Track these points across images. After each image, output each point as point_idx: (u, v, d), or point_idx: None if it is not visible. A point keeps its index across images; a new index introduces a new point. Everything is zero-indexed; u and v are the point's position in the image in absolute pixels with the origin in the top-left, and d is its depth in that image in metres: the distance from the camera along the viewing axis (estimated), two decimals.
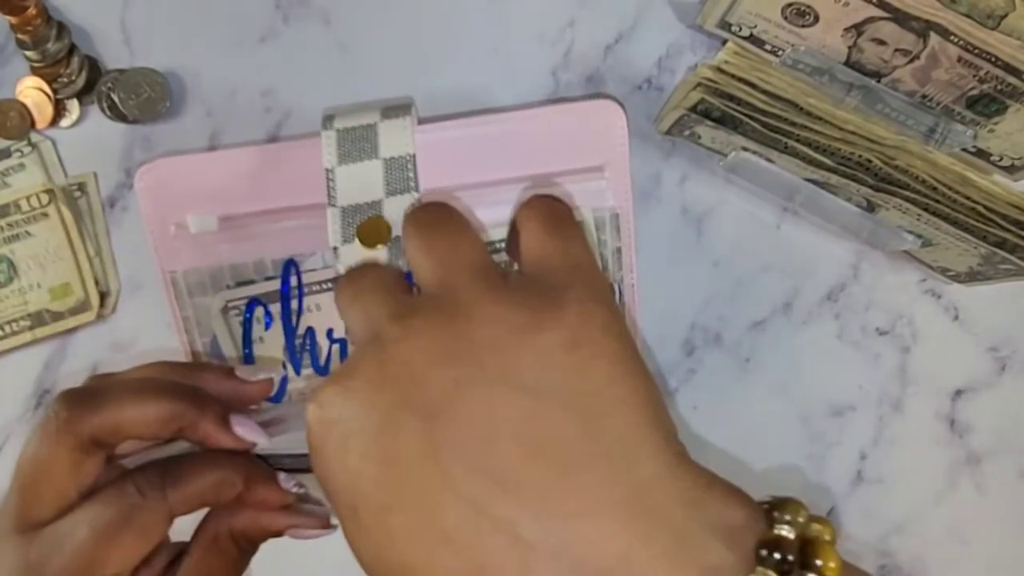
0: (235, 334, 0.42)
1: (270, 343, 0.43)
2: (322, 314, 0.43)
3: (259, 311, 0.42)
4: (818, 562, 0.22)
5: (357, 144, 0.38)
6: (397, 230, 0.37)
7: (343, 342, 0.43)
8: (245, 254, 0.41)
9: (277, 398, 0.43)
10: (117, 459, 0.33)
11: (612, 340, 0.26)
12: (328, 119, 0.38)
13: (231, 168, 0.42)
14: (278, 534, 0.35)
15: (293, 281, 0.42)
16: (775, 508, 0.23)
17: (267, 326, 0.43)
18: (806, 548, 0.22)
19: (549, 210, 0.32)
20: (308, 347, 0.43)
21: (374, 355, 0.27)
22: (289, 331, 0.43)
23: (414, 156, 0.38)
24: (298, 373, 0.43)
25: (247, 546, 0.34)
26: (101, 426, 0.31)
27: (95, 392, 0.32)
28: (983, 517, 0.47)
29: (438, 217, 0.31)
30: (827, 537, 0.22)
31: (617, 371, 0.25)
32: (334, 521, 0.35)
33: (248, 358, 0.43)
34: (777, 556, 0.21)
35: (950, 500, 0.47)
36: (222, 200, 0.42)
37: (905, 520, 0.47)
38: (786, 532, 0.22)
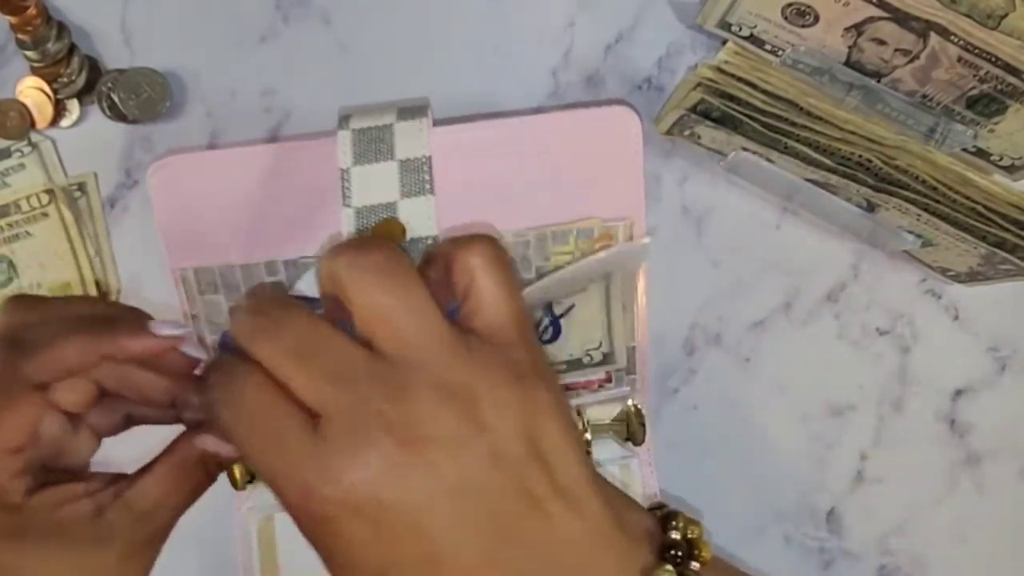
0: None
1: None
2: None
3: None
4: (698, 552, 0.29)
5: (373, 145, 0.38)
6: (412, 232, 0.36)
7: None
8: (256, 254, 0.40)
9: None
10: None
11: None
12: (344, 119, 0.38)
13: (244, 166, 0.42)
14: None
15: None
16: (667, 518, 0.30)
17: None
18: (690, 543, 0.29)
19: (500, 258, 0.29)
20: None
21: None
22: None
23: (430, 158, 0.37)
24: None
25: (215, 469, 0.33)
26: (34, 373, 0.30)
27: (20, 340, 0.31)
28: (983, 517, 0.47)
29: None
30: (700, 533, 0.30)
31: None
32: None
33: None
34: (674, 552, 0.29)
35: (950, 500, 0.47)
36: (234, 199, 0.42)
37: (905, 520, 0.47)
38: (676, 535, 0.30)
